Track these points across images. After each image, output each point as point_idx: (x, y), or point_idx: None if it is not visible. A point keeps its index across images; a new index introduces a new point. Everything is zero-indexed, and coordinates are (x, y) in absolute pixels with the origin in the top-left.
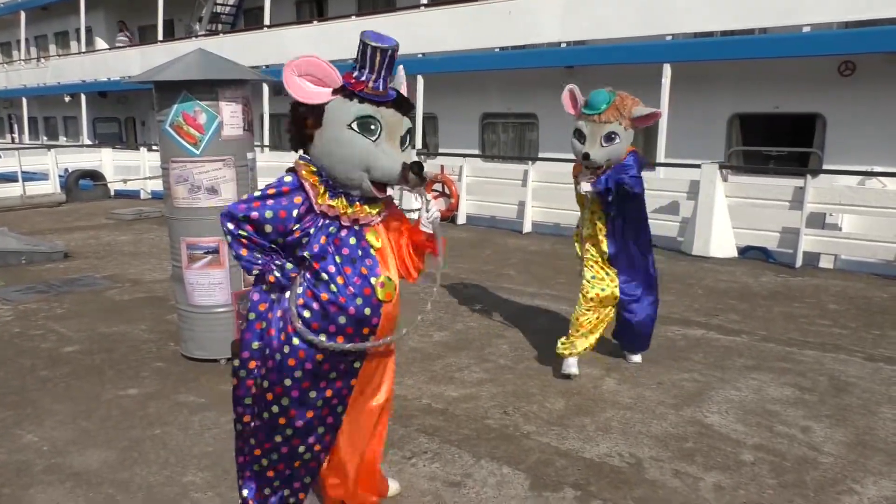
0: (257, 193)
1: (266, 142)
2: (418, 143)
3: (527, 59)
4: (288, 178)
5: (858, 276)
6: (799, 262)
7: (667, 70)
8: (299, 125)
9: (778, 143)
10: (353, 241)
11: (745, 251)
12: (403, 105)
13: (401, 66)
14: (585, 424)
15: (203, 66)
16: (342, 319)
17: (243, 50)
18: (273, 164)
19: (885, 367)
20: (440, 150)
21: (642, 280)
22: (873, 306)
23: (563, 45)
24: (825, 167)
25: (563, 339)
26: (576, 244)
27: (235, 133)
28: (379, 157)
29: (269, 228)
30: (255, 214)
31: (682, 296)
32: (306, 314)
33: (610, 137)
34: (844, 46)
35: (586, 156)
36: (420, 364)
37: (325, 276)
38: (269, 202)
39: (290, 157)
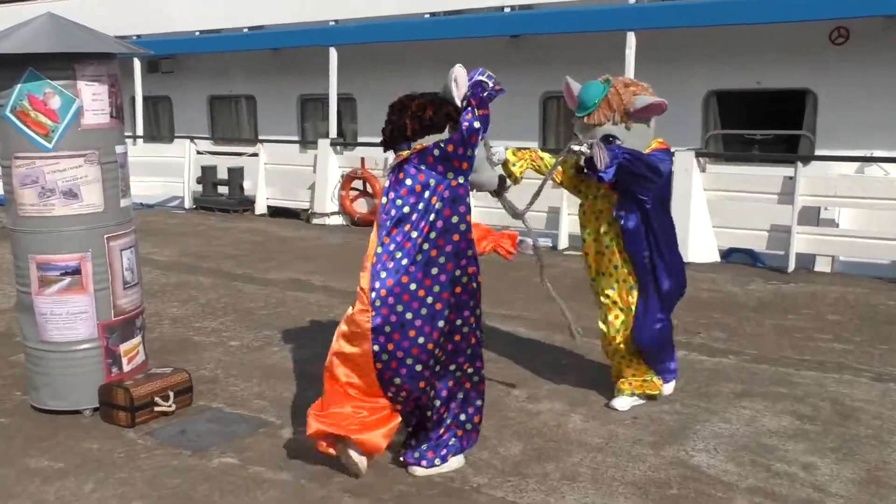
0: None
1: (139, 132)
2: (332, 131)
3: (463, 28)
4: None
5: (860, 280)
6: (791, 266)
7: (631, 39)
8: (447, 119)
9: (762, 126)
10: None
11: (729, 254)
12: None
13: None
14: (548, 472)
15: (55, 34)
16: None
17: (108, 16)
18: (149, 160)
19: (895, 388)
20: (360, 139)
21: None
22: (879, 316)
23: (507, 10)
24: (818, 153)
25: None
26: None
27: (100, 121)
28: (486, 164)
29: None
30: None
31: None
32: None
33: (607, 141)
34: (836, 10)
35: (580, 169)
36: None
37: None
38: None
39: (171, 150)
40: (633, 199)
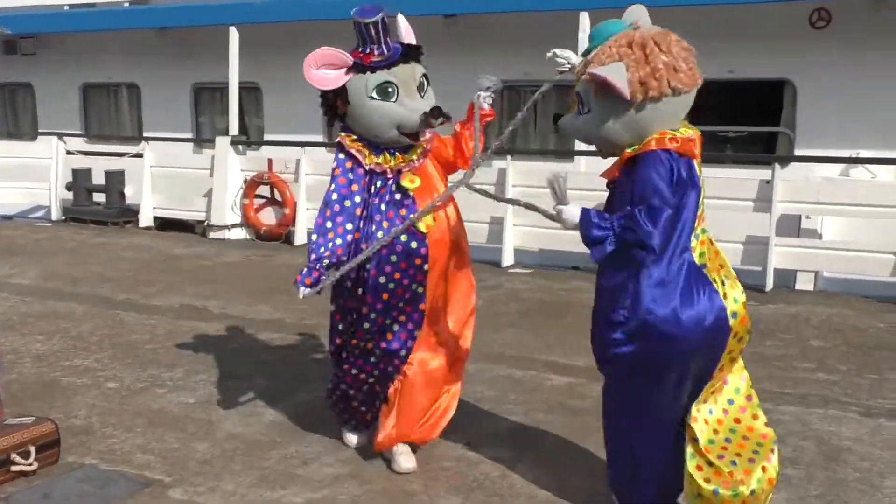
0: (333, 198)
1: None
2: (233, 127)
3: (389, 5)
4: (341, 156)
5: (847, 299)
6: (769, 284)
7: (584, 20)
8: (332, 107)
9: (734, 121)
10: (394, 188)
11: None
12: (410, 54)
13: (398, 16)
14: None
15: None
16: (393, 257)
17: None
18: (7, 161)
19: (887, 425)
20: (266, 137)
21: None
22: (868, 341)
23: None
24: (797, 153)
25: None
26: None
27: None
28: (402, 113)
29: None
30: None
31: None
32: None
33: (581, 101)
34: None
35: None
36: (244, 458)
37: (374, 225)
38: (341, 191)
39: (34, 150)
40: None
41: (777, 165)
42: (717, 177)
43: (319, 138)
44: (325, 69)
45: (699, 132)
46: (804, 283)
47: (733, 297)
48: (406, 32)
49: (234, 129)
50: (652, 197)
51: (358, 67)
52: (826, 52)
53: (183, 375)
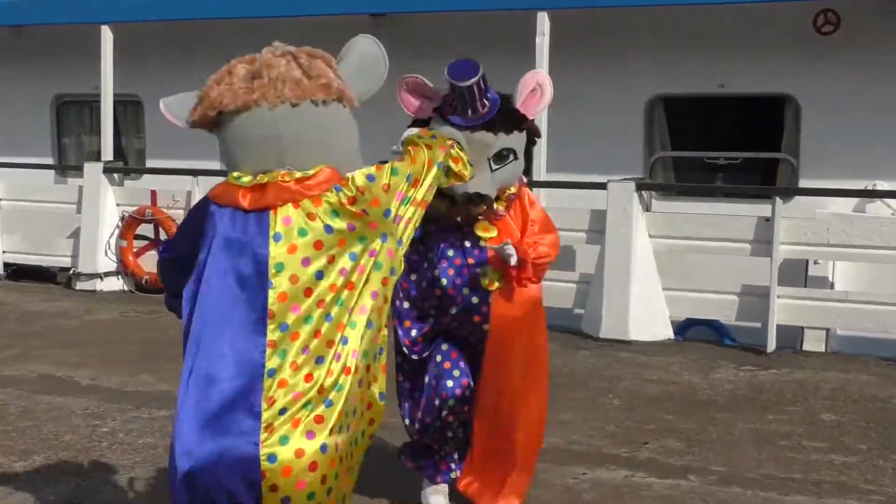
0: None
1: None
2: (108, 151)
3: (301, 4)
4: None
5: (864, 362)
6: (772, 345)
7: (544, 22)
8: None
9: (726, 146)
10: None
11: (687, 328)
12: (496, 125)
13: (529, 77)
14: None
15: None
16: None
17: None
18: None
19: None
20: (149, 163)
21: None
22: (891, 414)
23: None
24: (802, 184)
25: None
26: None
27: None
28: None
29: None
30: None
31: (587, 411)
32: None
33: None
34: None
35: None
36: None
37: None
38: None
39: None
40: None
41: (778, 199)
42: (707, 213)
43: (215, 165)
44: (415, 98)
45: (266, 178)
46: (813, 342)
47: None
48: (525, 95)
49: (107, 152)
50: None
51: (440, 111)
52: (834, 62)
53: (41, 466)
